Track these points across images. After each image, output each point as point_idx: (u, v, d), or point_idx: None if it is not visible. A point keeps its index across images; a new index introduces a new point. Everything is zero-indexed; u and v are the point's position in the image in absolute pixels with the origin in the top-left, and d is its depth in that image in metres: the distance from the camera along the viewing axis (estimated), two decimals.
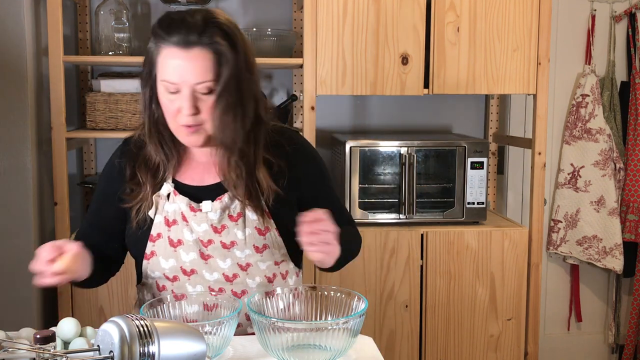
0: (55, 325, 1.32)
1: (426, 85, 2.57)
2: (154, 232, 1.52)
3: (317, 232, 1.36)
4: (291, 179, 1.55)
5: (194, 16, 1.41)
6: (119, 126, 2.57)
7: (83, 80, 2.91)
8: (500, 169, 3.19)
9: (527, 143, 2.74)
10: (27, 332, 1.33)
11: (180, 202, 1.52)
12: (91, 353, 1.10)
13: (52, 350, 1.15)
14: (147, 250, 1.53)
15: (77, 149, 2.88)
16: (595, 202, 3.15)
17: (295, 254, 1.60)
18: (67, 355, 1.13)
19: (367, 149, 2.60)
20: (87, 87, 2.88)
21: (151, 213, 1.52)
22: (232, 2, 2.92)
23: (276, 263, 1.55)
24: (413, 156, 2.60)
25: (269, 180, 1.51)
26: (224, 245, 1.51)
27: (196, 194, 1.53)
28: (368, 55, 2.52)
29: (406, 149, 2.60)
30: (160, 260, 1.52)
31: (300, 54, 2.64)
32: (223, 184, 1.52)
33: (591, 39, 3.17)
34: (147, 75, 1.48)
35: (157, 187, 1.53)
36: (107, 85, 2.61)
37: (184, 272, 1.51)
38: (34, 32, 2.42)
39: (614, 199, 3.12)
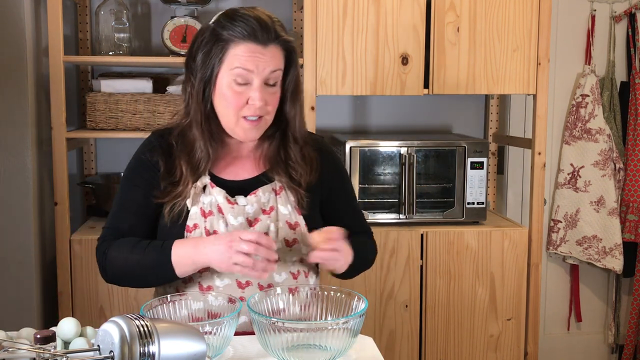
0: (56, 325, 1.32)
1: (426, 85, 2.57)
2: (190, 222, 1.54)
3: (331, 250, 1.47)
4: (318, 181, 1.62)
5: (261, 14, 1.50)
6: (119, 126, 2.57)
7: (83, 80, 2.91)
8: (500, 169, 3.19)
9: (527, 143, 2.74)
10: (28, 332, 1.33)
11: (217, 195, 1.54)
12: (91, 353, 1.10)
13: (52, 350, 1.15)
14: None
15: (77, 149, 2.88)
16: (595, 202, 3.15)
17: None
18: (68, 355, 1.13)
19: (367, 149, 2.60)
20: (87, 87, 2.88)
21: (188, 203, 1.54)
22: (232, 2, 2.93)
23: (302, 260, 1.58)
24: (413, 156, 2.60)
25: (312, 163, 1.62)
26: None
27: (231, 188, 1.56)
28: (368, 55, 2.53)
29: (406, 149, 2.60)
30: None
31: (300, 54, 2.64)
32: (268, 173, 1.59)
33: (591, 39, 3.17)
34: (207, 71, 1.51)
35: (195, 179, 1.56)
36: (108, 85, 2.61)
37: None
38: (34, 32, 2.42)
39: (613, 199, 3.13)
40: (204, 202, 1.55)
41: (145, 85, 2.63)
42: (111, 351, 1.05)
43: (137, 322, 1.06)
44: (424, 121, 3.12)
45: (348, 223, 1.67)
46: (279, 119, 1.59)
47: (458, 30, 2.55)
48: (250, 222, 1.55)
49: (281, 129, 1.60)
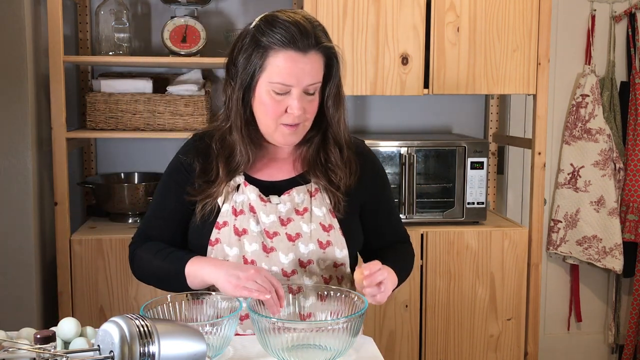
0: (56, 325, 1.32)
1: (426, 86, 2.57)
2: (220, 220, 1.54)
3: (376, 285, 1.42)
4: (357, 185, 1.60)
5: (301, 19, 1.47)
6: (119, 126, 2.57)
7: (83, 80, 2.91)
8: (500, 169, 3.19)
9: (527, 143, 2.74)
10: (28, 332, 1.33)
11: (250, 193, 1.55)
12: (91, 353, 1.10)
13: (52, 350, 1.16)
14: (212, 237, 1.54)
15: (77, 149, 2.88)
16: (595, 202, 3.15)
17: (354, 260, 1.63)
18: (68, 355, 1.13)
19: None
20: (87, 87, 2.88)
21: (219, 201, 1.55)
22: (232, 2, 2.93)
23: (335, 265, 1.56)
24: (413, 156, 2.60)
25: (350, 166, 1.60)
26: (289, 238, 1.53)
27: (265, 187, 1.57)
28: (368, 55, 2.53)
29: (406, 149, 2.60)
30: (224, 247, 1.53)
31: None
32: (305, 175, 1.58)
33: (591, 39, 3.17)
34: (246, 78, 1.50)
35: (229, 179, 1.57)
36: (107, 85, 2.61)
37: (245, 261, 1.52)
38: (34, 32, 2.41)
39: (613, 199, 3.13)
40: (236, 200, 1.55)
41: (145, 85, 2.63)
42: (111, 351, 1.05)
43: (137, 322, 1.06)
44: (424, 121, 3.12)
45: (386, 230, 1.68)
46: (320, 123, 1.58)
47: (458, 30, 2.55)
48: (283, 221, 1.54)
49: (322, 132, 1.59)
